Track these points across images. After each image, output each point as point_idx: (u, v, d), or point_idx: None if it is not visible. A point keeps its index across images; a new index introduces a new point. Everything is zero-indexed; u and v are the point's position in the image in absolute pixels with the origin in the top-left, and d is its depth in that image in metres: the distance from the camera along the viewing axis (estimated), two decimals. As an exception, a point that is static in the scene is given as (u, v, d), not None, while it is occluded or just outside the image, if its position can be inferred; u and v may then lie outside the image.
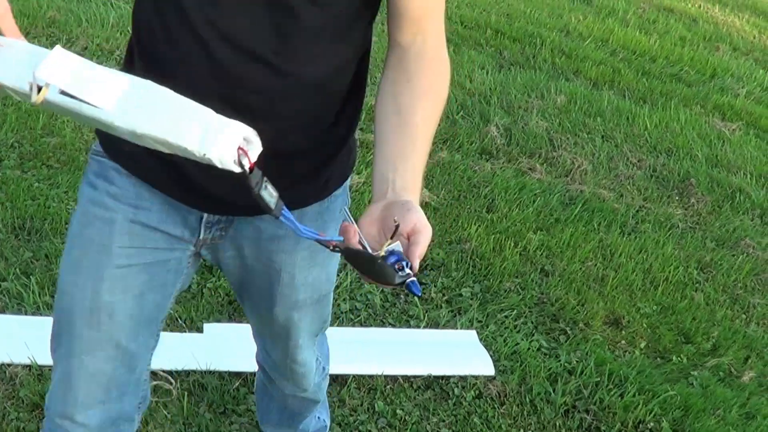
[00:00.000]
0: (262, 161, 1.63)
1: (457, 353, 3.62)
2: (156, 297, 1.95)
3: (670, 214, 5.17)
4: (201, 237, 1.92)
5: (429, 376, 3.47)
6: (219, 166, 1.29)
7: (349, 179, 2.10)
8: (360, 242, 1.43)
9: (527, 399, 3.47)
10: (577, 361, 3.70)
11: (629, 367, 3.71)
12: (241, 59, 1.66)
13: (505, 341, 3.75)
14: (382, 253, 1.40)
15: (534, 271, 4.29)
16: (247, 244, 1.99)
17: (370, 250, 1.42)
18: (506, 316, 3.92)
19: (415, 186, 1.60)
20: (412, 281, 1.39)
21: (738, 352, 4.00)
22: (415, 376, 3.47)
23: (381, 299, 3.84)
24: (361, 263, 1.43)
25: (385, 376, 3.43)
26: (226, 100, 1.58)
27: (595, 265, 4.44)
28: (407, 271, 1.39)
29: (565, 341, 3.84)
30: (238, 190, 1.60)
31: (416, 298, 3.92)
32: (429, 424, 3.28)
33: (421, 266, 4.14)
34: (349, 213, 1.74)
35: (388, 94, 1.72)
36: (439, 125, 1.74)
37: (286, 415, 2.73)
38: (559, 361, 3.70)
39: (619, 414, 3.46)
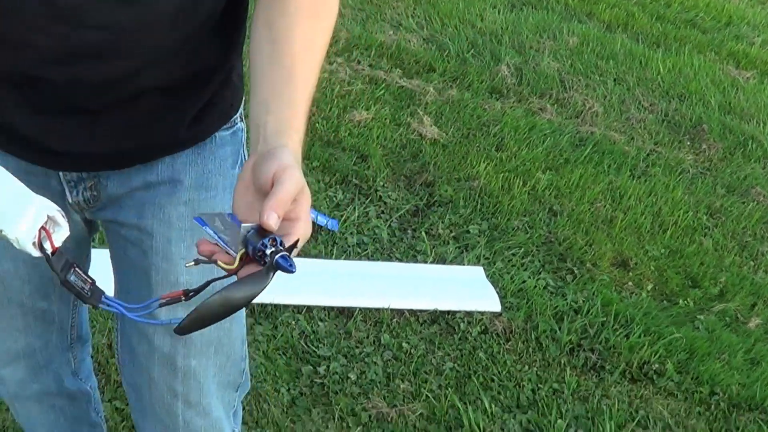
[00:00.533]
0: (118, 105, 1.48)
1: (463, 289, 3.62)
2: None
3: (680, 159, 5.14)
4: (70, 201, 1.64)
5: (435, 311, 3.48)
6: (16, 246, 1.14)
7: (239, 125, 1.74)
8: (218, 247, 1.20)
9: (533, 336, 3.47)
10: (583, 301, 3.70)
11: (635, 309, 3.71)
12: None
13: (511, 278, 3.75)
14: (236, 264, 1.17)
15: (542, 211, 4.28)
16: (123, 204, 1.66)
17: (230, 252, 1.18)
18: (513, 254, 3.92)
19: (293, 126, 1.31)
20: (281, 257, 1.14)
21: (745, 299, 4.00)
22: (421, 311, 3.47)
23: (388, 234, 3.83)
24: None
25: (392, 310, 3.43)
26: (67, 42, 1.35)
27: (604, 206, 4.42)
28: (270, 249, 1.14)
29: (572, 280, 3.84)
30: (79, 139, 1.52)
31: (424, 234, 3.91)
32: (434, 357, 3.28)
33: (428, 202, 4.16)
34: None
35: (262, 22, 1.41)
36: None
37: None
38: (566, 299, 3.70)
39: (624, 354, 3.46)
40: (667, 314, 3.76)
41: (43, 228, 1.14)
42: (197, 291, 1.23)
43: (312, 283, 3.42)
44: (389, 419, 3.00)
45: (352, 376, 3.12)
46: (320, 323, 3.31)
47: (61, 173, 1.60)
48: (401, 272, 3.66)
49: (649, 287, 3.92)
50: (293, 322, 3.28)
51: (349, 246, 3.74)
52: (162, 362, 1.74)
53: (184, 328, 1.15)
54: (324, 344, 3.22)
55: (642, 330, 3.58)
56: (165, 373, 1.76)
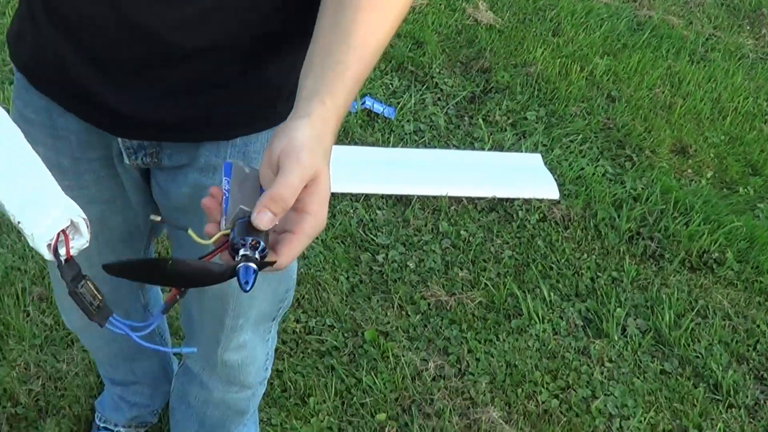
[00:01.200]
0: (190, 65, 1.31)
1: (521, 176, 3.53)
2: (127, 215, 1.66)
3: (740, 43, 4.96)
4: (127, 163, 1.52)
5: (493, 199, 3.39)
6: (30, 243, 1.04)
7: None
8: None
9: (591, 224, 3.38)
10: (642, 188, 3.60)
11: (695, 196, 3.60)
12: None
13: (570, 165, 3.65)
14: (211, 240, 1.05)
15: (600, 96, 4.15)
16: (181, 174, 1.52)
17: (221, 224, 1.06)
18: (571, 141, 3.81)
19: (332, 90, 1.08)
20: (244, 267, 1.00)
21: (806, 186, 3.88)
22: (479, 198, 3.39)
23: (445, 121, 3.74)
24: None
25: (449, 198, 3.35)
26: None
27: (663, 92, 4.28)
28: (243, 252, 1.01)
29: (631, 167, 3.73)
30: (152, 108, 1.37)
31: (481, 121, 3.81)
32: (493, 245, 3.21)
33: (484, 88, 4.05)
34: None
35: None
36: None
37: (207, 428, 2.17)
38: (625, 187, 3.59)
39: (684, 243, 3.37)
40: (727, 202, 3.65)
41: (62, 231, 1.05)
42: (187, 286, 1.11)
43: (370, 171, 3.34)
44: (448, 307, 2.94)
45: (411, 264, 3.06)
46: (378, 211, 3.24)
47: (120, 139, 1.47)
48: (459, 160, 3.56)
49: (709, 175, 3.80)
50: (351, 211, 3.21)
51: (406, 133, 3.64)
52: (212, 294, 1.68)
53: (111, 268, 1.07)
54: (382, 232, 3.15)
55: (701, 218, 3.47)
56: (212, 301, 1.72)
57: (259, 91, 1.40)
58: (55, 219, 1.03)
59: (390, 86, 3.91)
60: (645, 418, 2.73)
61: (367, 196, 3.28)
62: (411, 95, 3.85)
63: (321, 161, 1.03)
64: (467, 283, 3.04)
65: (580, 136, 3.84)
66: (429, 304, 2.94)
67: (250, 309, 1.73)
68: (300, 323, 2.79)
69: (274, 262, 1.02)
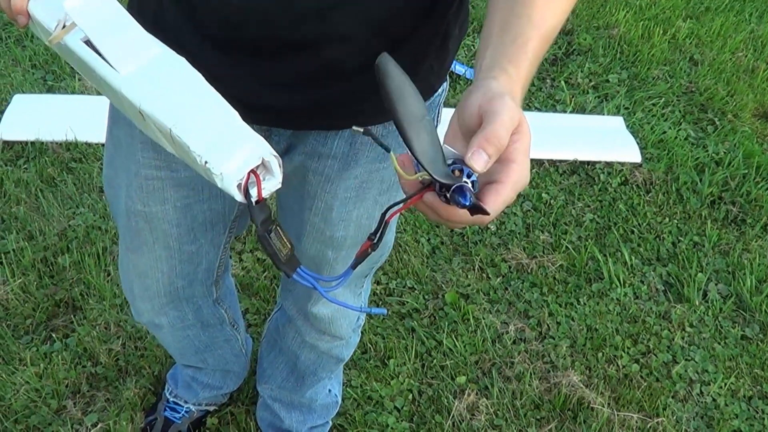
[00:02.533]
0: (300, 51, 1.22)
1: (603, 139, 3.39)
2: (213, 205, 1.59)
3: (824, 5, 4.74)
4: None
5: (575, 161, 3.26)
6: (218, 184, 0.96)
7: (443, 90, 1.46)
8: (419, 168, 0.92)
9: (673, 188, 3.23)
10: (724, 152, 3.44)
11: (778, 160, 3.43)
12: None
13: (652, 129, 3.49)
14: (412, 177, 0.92)
15: (683, 60, 3.97)
16: (290, 151, 1.47)
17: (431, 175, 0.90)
18: (654, 104, 3.65)
19: (513, 60, 0.99)
20: (459, 186, 0.87)
21: None
22: (560, 161, 3.26)
23: (527, 83, 3.61)
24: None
25: (531, 160, 3.21)
26: None
27: (746, 56, 4.09)
28: (464, 179, 0.89)
29: (713, 131, 3.57)
30: (266, 93, 1.29)
31: (563, 83, 3.67)
32: (574, 208, 3.08)
33: (567, 50, 3.90)
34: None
35: None
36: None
37: (296, 375, 2.14)
38: (707, 151, 3.43)
39: (766, 207, 3.22)
40: (811, 166, 3.47)
41: (253, 172, 0.95)
42: (378, 232, 0.99)
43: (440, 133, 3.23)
44: (529, 270, 2.83)
45: (492, 227, 2.95)
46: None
47: None
48: (541, 122, 3.43)
49: (793, 138, 3.63)
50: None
51: (487, 95, 3.53)
52: (309, 259, 1.63)
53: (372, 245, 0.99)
54: (464, 194, 3.04)
55: (785, 182, 3.32)
56: (309, 264, 1.64)
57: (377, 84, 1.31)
58: (246, 158, 0.95)
59: (472, 48, 3.79)
60: (725, 384, 2.61)
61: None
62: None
63: (520, 111, 0.92)
64: (548, 246, 2.93)
65: (663, 99, 3.68)
66: (510, 267, 2.83)
67: (348, 254, 1.66)
68: (381, 285, 2.71)
69: (485, 210, 0.90)
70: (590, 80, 3.73)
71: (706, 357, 2.68)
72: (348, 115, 1.35)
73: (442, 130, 0.98)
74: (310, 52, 1.23)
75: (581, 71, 3.76)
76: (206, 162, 0.94)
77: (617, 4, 4.26)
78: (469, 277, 2.78)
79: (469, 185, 0.88)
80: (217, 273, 1.80)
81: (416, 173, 0.91)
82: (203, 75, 1.23)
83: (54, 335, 2.46)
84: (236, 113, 0.97)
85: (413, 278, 2.75)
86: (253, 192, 0.96)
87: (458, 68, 3.58)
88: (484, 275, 2.80)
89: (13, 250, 2.66)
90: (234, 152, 0.94)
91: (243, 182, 0.95)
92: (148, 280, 1.70)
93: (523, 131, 0.92)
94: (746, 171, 3.35)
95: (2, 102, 3.20)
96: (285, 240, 0.99)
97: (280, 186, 0.98)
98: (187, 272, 1.71)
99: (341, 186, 1.47)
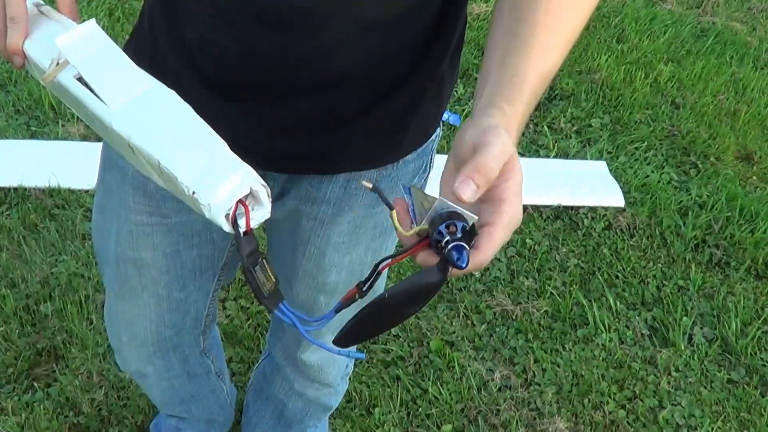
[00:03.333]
0: (299, 97, 1.22)
1: (587, 184, 3.40)
2: (202, 251, 1.57)
3: (804, 49, 4.78)
4: None
5: (558, 206, 3.26)
6: (206, 215, 0.94)
7: (435, 136, 1.45)
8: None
9: (657, 232, 3.24)
10: (707, 195, 3.45)
11: (761, 203, 3.44)
12: None
13: (635, 173, 3.51)
14: (409, 233, 0.91)
15: (665, 103, 4.00)
16: (281, 207, 1.47)
17: (413, 222, 0.93)
18: (636, 148, 3.67)
19: (509, 98, 0.98)
20: (454, 247, 0.87)
21: None
22: (544, 206, 3.26)
23: (510, 127, 3.62)
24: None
25: (515, 205, 3.23)
26: (251, 7, 1.14)
27: (727, 98, 4.11)
28: (446, 238, 0.88)
29: (696, 175, 3.58)
30: (261, 137, 1.29)
31: (546, 128, 3.68)
32: (558, 254, 3.08)
33: (549, 95, 3.91)
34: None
35: None
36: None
37: (282, 423, 2.15)
38: (690, 194, 3.44)
39: (750, 250, 3.22)
40: (793, 209, 3.48)
41: (241, 202, 0.94)
42: (369, 281, 0.97)
43: (434, 179, 3.23)
44: (514, 316, 2.82)
45: (476, 274, 2.94)
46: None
47: None
48: (524, 167, 3.37)
49: (775, 182, 3.64)
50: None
51: (470, 140, 3.53)
52: (300, 304, 1.63)
53: (339, 341, 0.98)
54: (448, 240, 3.04)
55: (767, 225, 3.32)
56: (300, 310, 1.63)
57: (376, 129, 1.32)
58: (234, 187, 0.93)
59: (455, 93, 3.79)
60: (712, 428, 2.61)
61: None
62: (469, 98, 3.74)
63: (513, 146, 0.92)
64: (533, 292, 2.92)
65: (645, 143, 3.70)
66: (494, 314, 2.82)
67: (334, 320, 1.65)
68: (366, 332, 2.69)
69: (475, 227, 0.90)
70: (573, 125, 3.74)
71: (692, 401, 2.67)
72: (343, 159, 1.36)
73: (434, 176, 0.98)
74: (309, 97, 1.23)
75: (564, 116, 3.78)
76: (194, 192, 0.93)
77: (599, 49, 4.28)
78: (453, 324, 2.77)
79: (464, 245, 0.88)
80: (205, 322, 1.79)
81: (412, 226, 0.91)
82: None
83: (36, 384, 2.44)
84: (224, 143, 0.96)
85: (398, 326, 2.73)
86: (242, 222, 0.95)
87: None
88: (469, 322, 2.79)
89: (-5, 298, 2.64)
90: (222, 182, 0.93)
91: (231, 212, 0.94)
92: (135, 329, 1.69)
93: (515, 169, 0.92)
94: (729, 214, 3.36)
95: (-15, 148, 3.18)
96: (270, 274, 0.98)
97: (269, 216, 0.97)
98: (176, 321, 1.70)
99: (334, 231, 1.46)
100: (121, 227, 1.50)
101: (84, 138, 3.28)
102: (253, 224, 0.95)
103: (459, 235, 0.88)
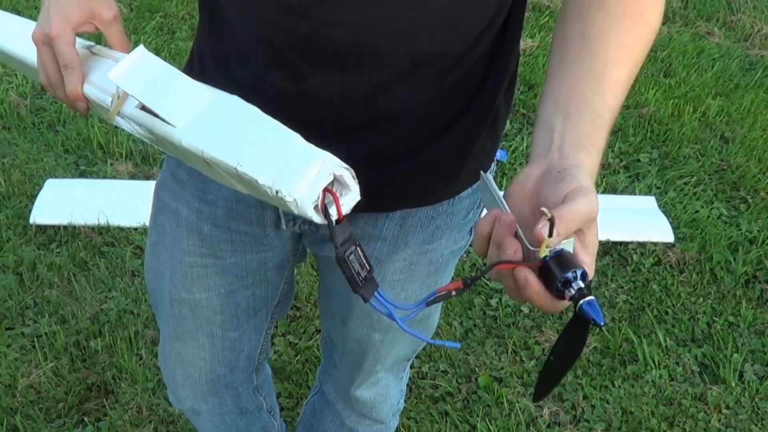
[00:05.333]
0: (354, 134, 1.22)
1: (635, 219, 3.40)
2: (256, 291, 1.60)
3: None
4: (285, 228, 1.47)
5: (607, 242, 3.27)
6: (295, 211, 0.93)
7: (490, 172, 1.46)
8: (517, 236, 0.91)
9: (707, 267, 3.24)
10: (758, 231, 3.44)
11: (813, 238, 3.43)
12: None
13: (684, 208, 3.51)
14: (542, 256, 0.88)
15: (714, 138, 4.00)
16: None
17: (529, 248, 0.90)
18: (685, 183, 3.67)
19: (595, 144, 1.00)
20: (589, 302, 0.88)
21: None
22: (592, 242, 3.27)
23: (557, 163, 3.64)
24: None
25: (562, 241, 3.24)
26: (305, 46, 1.15)
27: (777, 132, 4.11)
28: (579, 284, 0.88)
29: (746, 210, 3.57)
30: None
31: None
32: (607, 290, 3.09)
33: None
34: (494, 185, 1.01)
35: (573, 14, 1.11)
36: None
37: None
38: (740, 229, 3.44)
39: (802, 286, 3.21)
40: None
41: (327, 190, 0.93)
42: (476, 278, 0.96)
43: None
44: (562, 353, 2.83)
45: (525, 309, 2.96)
46: (491, 255, 3.14)
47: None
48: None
49: (827, 216, 3.63)
50: (465, 255, 3.12)
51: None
52: (354, 341, 1.65)
53: (539, 396, 1.02)
54: (495, 276, 3.06)
55: (820, 260, 3.31)
56: (354, 347, 1.68)
57: (431, 165, 1.33)
58: (316, 176, 0.92)
59: (502, 129, 3.82)
60: (765, 467, 2.59)
61: (480, 240, 3.19)
62: (523, 138, 3.76)
63: (597, 206, 0.92)
64: (581, 328, 2.92)
65: (694, 178, 3.70)
66: (543, 350, 2.83)
67: (388, 356, 1.69)
68: (413, 368, 2.71)
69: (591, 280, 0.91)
70: (621, 160, 3.76)
71: (744, 440, 2.67)
72: (400, 197, 1.38)
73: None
74: (365, 134, 1.25)
75: (612, 151, 3.79)
76: (277, 192, 0.92)
77: (647, 83, 4.30)
78: (502, 360, 2.79)
79: (591, 295, 0.89)
80: (258, 360, 1.82)
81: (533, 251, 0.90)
82: None
83: (86, 419, 2.48)
84: (297, 135, 0.96)
85: (446, 361, 2.75)
86: (333, 211, 0.94)
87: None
88: (518, 358, 2.80)
89: (46, 333, 2.69)
90: (302, 174, 0.92)
91: (320, 202, 0.93)
92: (190, 368, 1.72)
93: (594, 228, 0.92)
94: (781, 249, 3.35)
95: (35, 186, 3.25)
96: (365, 262, 0.97)
97: (359, 198, 0.96)
98: (229, 359, 1.73)
99: (390, 268, 1.47)
100: (175, 269, 1.53)
101: (132, 176, 3.34)
102: (345, 210, 0.95)
103: (583, 285, 0.88)
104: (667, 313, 3.03)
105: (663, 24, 4.84)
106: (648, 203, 3.51)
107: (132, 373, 2.60)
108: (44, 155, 3.44)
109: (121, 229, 3.08)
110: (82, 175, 3.37)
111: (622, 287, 3.11)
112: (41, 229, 3.08)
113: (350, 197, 0.96)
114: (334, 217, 0.94)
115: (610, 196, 3.54)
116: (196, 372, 1.73)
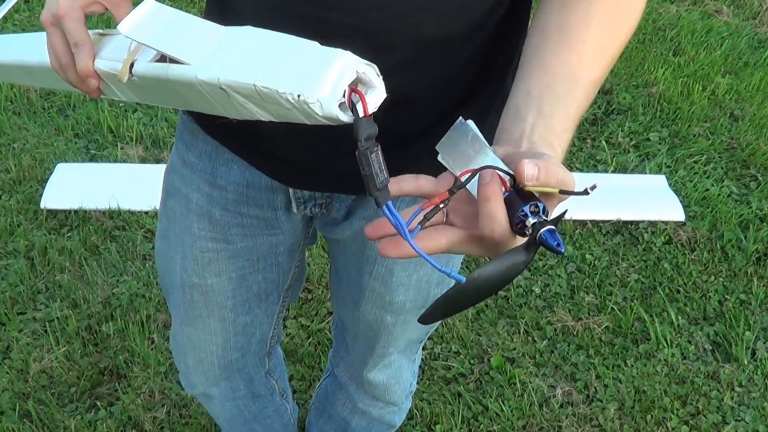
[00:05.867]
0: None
1: (646, 198, 3.39)
2: (267, 275, 1.60)
3: None
4: (295, 211, 1.47)
5: (618, 221, 3.26)
6: (319, 113, 0.89)
7: None
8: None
9: (718, 246, 3.22)
10: (769, 209, 3.43)
11: (824, 216, 3.42)
12: None
13: (694, 187, 3.49)
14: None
15: (723, 116, 3.97)
16: (348, 228, 1.48)
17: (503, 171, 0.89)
18: (695, 161, 3.65)
19: (561, 143, 1.00)
20: (549, 230, 0.87)
21: None
22: (604, 221, 3.26)
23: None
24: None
25: (574, 221, 3.23)
26: (313, 30, 1.07)
27: (787, 110, 4.08)
28: (532, 219, 0.87)
29: (756, 187, 3.55)
30: (329, 157, 1.27)
31: (604, 143, 3.68)
32: (619, 269, 3.07)
33: (606, 110, 3.92)
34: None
35: (552, 5, 1.10)
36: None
37: None
38: (751, 207, 3.42)
39: (814, 263, 3.19)
40: None
41: (352, 89, 0.89)
42: (464, 184, 0.91)
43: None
44: (575, 332, 2.82)
45: (536, 290, 2.95)
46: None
47: (291, 190, 1.42)
48: (582, 182, 3.39)
49: (838, 193, 3.61)
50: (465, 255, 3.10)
51: (527, 156, 3.54)
52: (366, 324, 1.64)
53: (426, 318, 0.95)
54: (506, 256, 3.05)
55: (832, 238, 3.29)
56: (366, 329, 1.67)
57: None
58: (338, 75, 0.88)
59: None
60: (778, 445, 2.58)
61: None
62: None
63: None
64: (593, 308, 2.92)
65: (704, 156, 3.68)
66: (555, 330, 2.82)
67: (401, 338, 1.68)
68: (426, 350, 2.71)
69: (564, 213, 0.90)
70: (631, 139, 3.74)
71: (756, 417, 2.65)
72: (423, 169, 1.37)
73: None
74: (375, 115, 1.24)
75: (621, 130, 3.77)
76: (299, 96, 0.88)
77: (656, 62, 4.27)
78: (514, 340, 2.78)
79: (550, 224, 0.87)
80: (270, 343, 1.81)
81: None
82: (262, 136, 1.25)
83: (99, 403, 2.48)
84: (315, 43, 0.92)
85: (458, 343, 2.75)
86: (358, 105, 0.90)
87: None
88: (530, 338, 2.80)
89: (58, 318, 2.69)
90: (324, 74, 0.88)
91: (347, 99, 0.89)
92: (202, 353, 1.72)
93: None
94: (792, 227, 3.34)
95: (46, 171, 3.25)
96: (384, 167, 0.93)
97: (385, 95, 0.92)
98: (241, 344, 1.72)
99: None
100: (186, 254, 1.52)
101: (143, 160, 3.33)
102: (372, 108, 0.91)
103: (545, 217, 0.87)
104: (678, 291, 3.02)
105: (672, 3, 4.84)
106: (658, 182, 3.50)
107: (144, 357, 2.59)
108: (54, 139, 3.43)
109: (131, 212, 3.07)
110: (93, 159, 3.36)
111: (633, 266, 3.10)
112: (52, 213, 3.07)
113: (376, 94, 0.92)
114: (360, 111, 0.90)
115: (621, 176, 3.53)
116: (208, 357, 1.73)
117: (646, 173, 3.56)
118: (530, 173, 0.86)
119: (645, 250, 3.17)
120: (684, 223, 3.29)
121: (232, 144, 1.39)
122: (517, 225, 0.88)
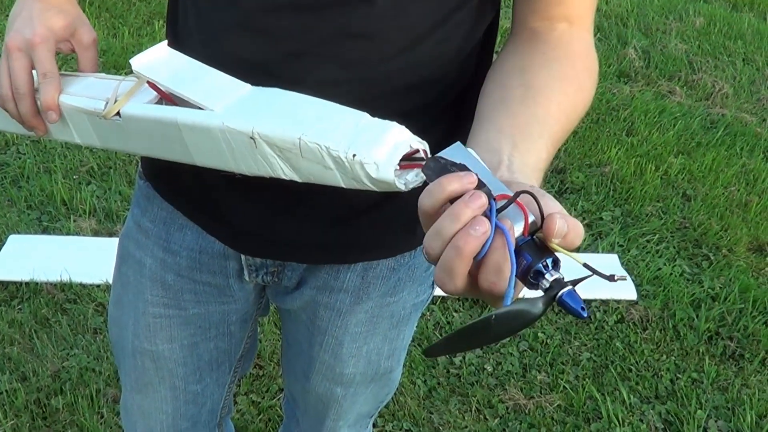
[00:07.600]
0: (318, 194, 1.14)
1: (598, 277, 3.42)
2: (219, 344, 1.59)
3: (814, 140, 4.84)
4: (247, 279, 1.46)
5: (570, 300, 3.29)
6: (374, 176, 0.88)
7: None
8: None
9: (670, 324, 3.26)
10: (720, 287, 3.47)
11: (774, 296, 3.47)
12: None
13: (647, 266, 3.54)
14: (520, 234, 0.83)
15: (675, 196, 4.05)
16: (298, 297, 1.48)
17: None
18: (648, 241, 3.71)
19: (537, 177, 0.97)
20: (569, 294, 0.84)
21: None
22: (556, 299, 3.29)
23: (521, 220, 3.67)
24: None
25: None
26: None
27: (738, 190, 4.16)
28: (552, 276, 0.84)
29: (708, 267, 3.61)
30: (280, 224, 1.30)
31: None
32: (571, 347, 3.10)
33: (560, 188, 3.97)
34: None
35: (513, 67, 1.12)
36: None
37: None
38: (702, 286, 3.47)
39: (764, 342, 3.23)
40: (807, 301, 3.51)
41: (408, 156, 0.89)
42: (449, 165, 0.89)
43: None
44: (526, 411, 2.84)
45: (488, 368, 2.97)
46: (455, 314, 3.16)
47: (243, 257, 1.42)
48: (535, 260, 3.47)
49: (788, 273, 3.67)
50: (428, 313, 3.13)
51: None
52: (317, 397, 1.64)
53: (431, 351, 0.90)
54: (459, 334, 3.06)
55: (782, 318, 3.35)
56: (316, 402, 1.67)
57: (397, 218, 1.32)
58: (394, 144, 0.88)
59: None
60: None
61: (444, 299, 3.20)
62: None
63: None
64: (545, 386, 2.94)
65: (657, 236, 3.74)
66: (507, 408, 2.84)
67: (351, 412, 1.68)
68: (377, 428, 2.71)
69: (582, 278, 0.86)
70: (584, 218, 3.79)
71: (708, 498, 2.68)
72: (362, 250, 1.38)
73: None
74: (322, 199, 1.25)
75: (575, 209, 3.83)
76: (354, 155, 0.87)
77: (609, 142, 4.35)
78: (466, 418, 2.79)
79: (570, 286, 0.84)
80: (220, 414, 1.80)
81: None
82: (215, 202, 1.27)
83: (45, 481, 2.46)
84: (365, 113, 0.92)
85: (409, 420, 2.75)
86: (416, 177, 0.89)
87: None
88: (482, 416, 2.81)
89: (6, 391, 2.67)
90: (380, 140, 0.87)
91: (399, 169, 0.88)
92: (152, 422, 1.70)
93: None
94: (743, 306, 3.38)
95: (-3, 243, 3.24)
96: None
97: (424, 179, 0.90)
98: (192, 414, 1.72)
99: (352, 320, 1.47)
100: (138, 320, 1.52)
101: (96, 233, 3.34)
102: (412, 186, 0.90)
103: (563, 278, 0.84)
104: (630, 370, 3.05)
105: (625, 83, 4.95)
106: (611, 261, 3.54)
107: (93, 431, 2.57)
108: (7, 210, 3.43)
109: (83, 286, 3.07)
110: (45, 231, 3.36)
111: (585, 345, 3.13)
112: (3, 285, 3.06)
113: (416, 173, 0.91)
114: (411, 183, 0.89)
115: (573, 254, 3.56)
116: (158, 425, 1.72)
117: (598, 252, 3.61)
118: (561, 229, 0.83)
119: (597, 329, 3.20)
120: (636, 302, 3.34)
121: (186, 209, 1.40)
122: (530, 276, 0.83)
